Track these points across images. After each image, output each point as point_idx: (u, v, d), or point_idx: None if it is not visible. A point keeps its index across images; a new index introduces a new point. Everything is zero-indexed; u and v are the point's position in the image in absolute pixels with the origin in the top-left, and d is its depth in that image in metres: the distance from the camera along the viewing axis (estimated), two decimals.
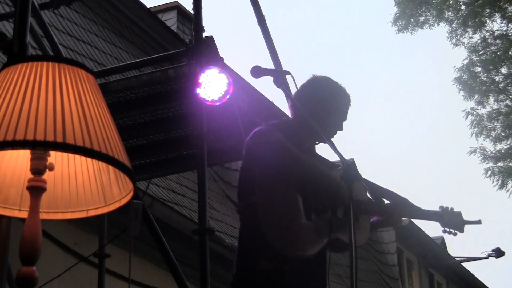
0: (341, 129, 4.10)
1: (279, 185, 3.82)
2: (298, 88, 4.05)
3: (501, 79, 19.15)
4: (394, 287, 17.47)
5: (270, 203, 3.83)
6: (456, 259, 21.00)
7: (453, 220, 4.10)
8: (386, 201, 4.10)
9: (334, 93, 4.08)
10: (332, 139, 3.97)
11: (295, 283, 3.83)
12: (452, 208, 4.12)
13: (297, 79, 3.87)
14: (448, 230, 4.10)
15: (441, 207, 4.12)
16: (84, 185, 2.68)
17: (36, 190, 2.50)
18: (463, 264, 21.38)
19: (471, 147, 18.92)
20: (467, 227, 4.20)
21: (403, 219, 4.22)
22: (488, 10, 18.62)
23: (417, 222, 18.52)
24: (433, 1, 18.56)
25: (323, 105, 4.01)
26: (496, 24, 18.99)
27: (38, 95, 2.43)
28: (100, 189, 2.67)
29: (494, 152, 18.75)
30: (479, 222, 4.26)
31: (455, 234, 4.11)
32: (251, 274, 3.92)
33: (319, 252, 3.87)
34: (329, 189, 3.82)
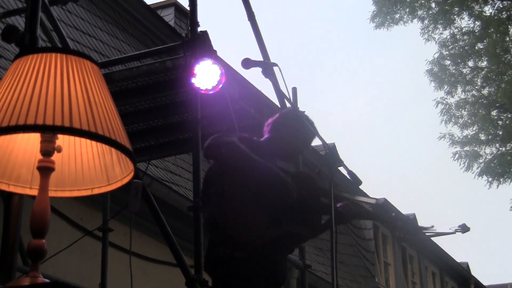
0: (302, 152, 4.26)
1: (233, 178, 3.86)
2: (273, 120, 4.16)
3: (468, 72, 19.19)
4: (370, 259, 17.53)
5: (224, 194, 3.88)
6: (426, 234, 21.08)
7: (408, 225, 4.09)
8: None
9: (299, 128, 4.12)
10: (315, 125, 4.00)
11: (249, 270, 3.83)
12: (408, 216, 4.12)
13: (283, 70, 3.87)
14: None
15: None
16: (89, 165, 2.67)
17: (45, 170, 2.50)
18: (432, 238, 21.47)
19: (440, 133, 18.98)
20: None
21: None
22: (456, 9, 18.64)
23: (391, 200, 18.65)
24: (407, 0, 18.57)
25: (294, 141, 4.11)
26: (464, 22, 19.02)
27: (47, 83, 2.43)
28: (104, 169, 2.67)
29: (461, 137, 18.80)
30: (431, 227, 4.23)
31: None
32: (212, 259, 3.97)
33: (275, 241, 3.87)
34: (281, 185, 3.86)
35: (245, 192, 3.83)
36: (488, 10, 18.80)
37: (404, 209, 19.81)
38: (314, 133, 4.12)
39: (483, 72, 19.10)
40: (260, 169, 3.83)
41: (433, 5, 18.80)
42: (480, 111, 18.76)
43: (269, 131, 4.11)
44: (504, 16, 18.54)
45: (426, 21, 18.84)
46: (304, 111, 5.43)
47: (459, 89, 19.07)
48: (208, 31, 4.98)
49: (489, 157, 18.56)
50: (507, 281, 39.86)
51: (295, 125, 4.08)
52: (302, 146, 4.18)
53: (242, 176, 3.84)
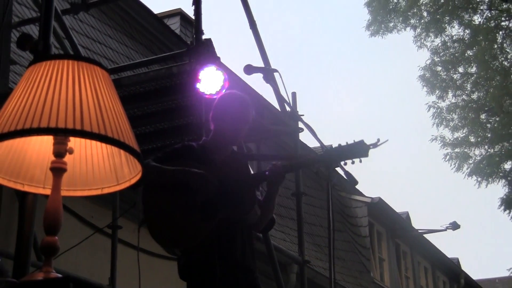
0: (244, 129, 4.16)
1: (157, 194, 3.90)
2: (212, 109, 4.16)
3: (458, 77, 19.20)
4: (366, 255, 17.51)
5: (156, 211, 3.92)
6: (419, 231, 21.06)
7: (355, 151, 3.96)
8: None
9: (230, 106, 4.11)
10: (313, 129, 3.99)
11: (205, 269, 3.85)
12: (348, 142, 3.99)
13: (283, 76, 3.87)
14: (350, 161, 3.97)
15: (338, 145, 4.01)
16: (99, 166, 2.67)
17: (58, 170, 2.50)
18: (425, 235, 21.46)
19: (432, 135, 19.00)
20: (373, 151, 4.04)
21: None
22: (447, 18, 18.65)
23: (385, 199, 18.65)
24: (400, 9, 18.57)
25: (225, 116, 4.07)
26: (455, 30, 19.05)
27: (60, 88, 2.43)
28: (113, 170, 2.67)
29: (452, 139, 18.81)
30: (384, 141, 4.07)
31: (360, 161, 3.98)
32: (180, 267, 4.00)
33: (222, 236, 3.87)
34: (199, 182, 3.84)
35: (171, 201, 3.86)
36: (477, 19, 18.84)
37: (398, 208, 19.83)
38: (250, 110, 4.11)
39: (472, 78, 19.11)
40: (174, 175, 3.86)
41: (425, 14, 18.82)
42: (469, 114, 18.77)
43: (212, 125, 4.13)
44: (492, 25, 18.56)
45: (418, 29, 18.86)
46: (303, 115, 5.44)
47: (450, 94, 19.09)
48: (212, 39, 4.99)
49: (478, 158, 18.56)
50: (495, 276, 39.90)
51: (228, 109, 4.07)
52: (243, 124, 4.12)
53: (164, 190, 3.88)
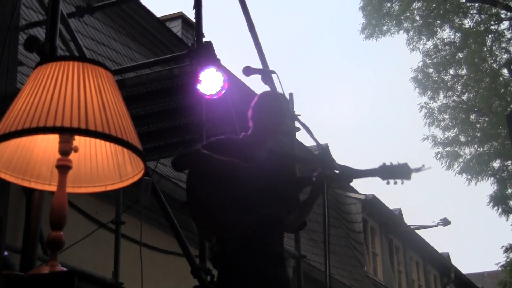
0: (285, 126, 4.18)
1: (205, 181, 3.87)
2: (251, 107, 4.17)
3: (449, 79, 19.23)
4: (360, 250, 17.51)
5: (201, 197, 3.88)
6: (411, 227, 21.08)
7: (398, 172, 4.01)
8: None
9: (272, 103, 4.11)
10: (309, 128, 3.99)
11: (239, 260, 3.81)
12: (392, 163, 4.05)
13: (281, 77, 3.86)
14: (392, 181, 4.02)
15: (382, 164, 4.07)
16: (103, 164, 2.68)
17: (63, 168, 2.50)
18: (416, 231, 21.48)
19: (424, 135, 19.03)
20: (415, 175, 4.08)
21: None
22: (439, 21, 18.68)
23: (379, 196, 18.66)
24: (394, 13, 18.59)
25: (267, 113, 4.07)
26: (446, 33, 19.09)
27: (65, 89, 2.43)
28: (117, 168, 2.67)
29: (443, 139, 18.84)
30: (427, 168, 4.15)
31: (402, 183, 4.02)
32: (212, 257, 4.01)
33: (256, 228, 3.84)
34: (247, 176, 3.84)
35: (217, 190, 3.84)
36: (467, 23, 18.86)
37: (391, 204, 19.86)
38: (287, 105, 4.15)
39: (462, 80, 19.14)
40: (223, 167, 3.83)
41: (417, 18, 18.86)
42: (460, 115, 18.79)
43: (251, 122, 4.12)
44: (482, 29, 18.57)
45: (411, 33, 18.90)
46: (300, 115, 5.44)
47: (441, 95, 19.13)
48: (212, 41, 4.98)
49: (468, 157, 18.59)
50: (484, 270, 39.95)
51: (270, 107, 4.07)
52: (282, 122, 4.13)
53: (210, 178, 3.85)
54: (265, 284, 3.88)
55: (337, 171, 4.01)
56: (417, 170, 3.89)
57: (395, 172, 3.93)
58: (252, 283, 3.81)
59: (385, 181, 3.93)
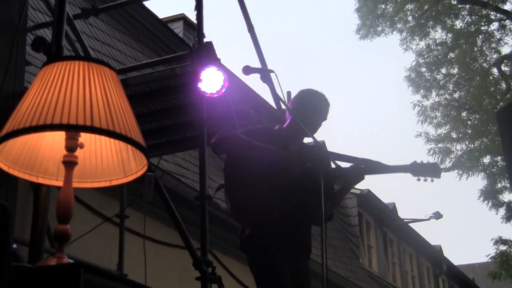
0: (320, 126, 4.17)
1: (242, 166, 3.86)
2: (291, 101, 4.18)
3: (441, 78, 19.21)
4: (356, 243, 17.52)
5: (237, 181, 3.88)
6: (405, 220, 21.09)
7: (428, 170, 4.06)
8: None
9: (315, 101, 4.13)
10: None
11: (272, 244, 3.79)
12: (423, 161, 4.11)
13: (279, 76, 3.86)
14: (423, 178, 4.07)
15: (413, 162, 4.11)
16: (107, 160, 2.68)
17: (69, 164, 2.50)
18: (410, 224, 21.48)
19: (417, 132, 19.00)
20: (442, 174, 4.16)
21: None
22: (431, 22, 18.68)
23: (374, 191, 18.66)
24: (388, 15, 18.60)
25: (309, 110, 4.09)
26: (438, 34, 19.07)
27: (71, 87, 2.43)
28: (121, 164, 2.67)
29: (435, 135, 18.81)
30: (453, 168, 4.29)
31: (432, 181, 4.08)
32: (242, 241, 3.96)
33: (288, 214, 3.85)
34: (283, 164, 3.84)
35: (253, 176, 3.82)
36: (458, 23, 18.85)
37: (385, 199, 19.83)
38: (327, 107, 4.15)
39: (454, 78, 19.12)
40: (262, 153, 3.81)
41: (410, 19, 18.85)
42: (451, 112, 18.78)
43: (289, 115, 4.11)
44: (473, 29, 18.57)
45: (404, 33, 18.89)
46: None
47: (434, 93, 19.11)
48: (213, 42, 4.98)
49: (459, 153, 18.57)
50: (475, 261, 39.99)
51: (313, 104, 4.09)
52: (322, 120, 4.15)
53: (248, 163, 3.83)
54: (291, 271, 3.87)
55: (371, 166, 4.04)
56: (446, 170, 4.00)
57: (425, 170, 3.99)
58: (281, 268, 3.79)
59: (416, 177, 4.00)
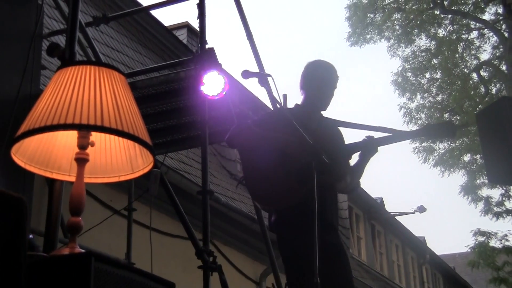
0: (333, 96, 4.05)
1: (257, 156, 3.81)
2: (300, 76, 4.05)
3: (425, 82, 19.28)
4: (346, 235, 17.51)
5: (255, 171, 3.82)
6: (391, 213, 21.11)
7: (442, 131, 3.86)
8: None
9: (324, 70, 4.03)
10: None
11: (295, 228, 3.70)
12: (436, 123, 3.95)
13: (276, 80, 3.86)
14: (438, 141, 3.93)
15: (426, 124, 4.00)
16: (116, 157, 2.67)
17: (81, 161, 2.50)
18: (396, 217, 21.50)
19: None
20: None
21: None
22: (416, 31, 18.72)
23: (363, 187, 18.66)
24: (376, 24, 18.63)
25: (322, 83, 3.98)
26: (422, 41, 19.13)
27: (83, 90, 2.43)
28: (129, 161, 2.67)
29: None
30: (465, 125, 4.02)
31: (448, 142, 3.90)
32: (270, 224, 3.93)
33: (313, 195, 3.78)
34: (298, 148, 3.69)
35: (270, 164, 3.74)
36: (441, 32, 18.93)
37: (373, 193, 19.85)
38: (336, 75, 4.03)
39: (437, 82, 19.18)
40: (274, 142, 3.74)
41: (397, 27, 18.89)
42: (435, 114, 18.81)
43: (302, 91, 4.01)
44: (454, 37, 18.64)
45: (391, 41, 18.96)
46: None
47: (418, 96, 19.17)
48: (214, 48, 4.97)
49: (442, 151, 18.62)
50: (455, 251, 40.04)
51: (321, 76, 3.98)
52: (333, 89, 4.02)
53: (263, 152, 3.76)
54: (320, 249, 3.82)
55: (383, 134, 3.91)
56: (461, 127, 3.80)
57: (439, 131, 3.79)
58: (307, 248, 3.75)
59: (430, 140, 3.83)
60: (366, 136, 3.91)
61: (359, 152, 3.95)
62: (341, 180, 3.91)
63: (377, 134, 3.96)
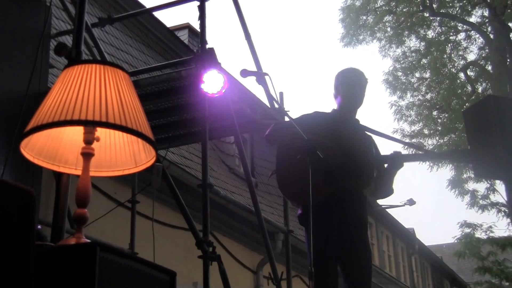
0: (363, 95, 4.17)
1: (290, 153, 3.83)
2: (336, 83, 4.15)
3: (415, 81, 19.28)
4: None
5: (287, 167, 3.88)
6: (382, 206, 21.13)
7: (467, 156, 4.00)
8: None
9: (352, 74, 4.13)
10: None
11: (321, 223, 3.75)
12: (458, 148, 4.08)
13: (273, 79, 3.85)
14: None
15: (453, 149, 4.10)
16: (120, 152, 2.67)
17: (87, 155, 2.50)
18: (387, 210, 21.53)
19: (394, 128, 19.08)
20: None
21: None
22: (406, 32, 18.73)
23: None
24: (369, 25, 18.64)
25: (354, 88, 4.09)
26: (412, 42, 19.13)
27: (89, 87, 2.43)
28: (132, 155, 2.67)
29: (410, 132, 18.87)
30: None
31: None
32: (298, 217, 4.00)
33: (333, 197, 3.82)
34: (326, 151, 3.73)
35: (300, 162, 3.77)
36: (430, 33, 18.92)
37: None
38: (365, 79, 4.13)
39: (426, 82, 19.18)
40: (307, 142, 3.77)
41: (388, 29, 18.89)
42: (424, 111, 18.84)
43: (338, 97, 4.09)
44: (443, 39, 18.66)
45: (383, 42, 18.95)
46: (289, 111, 5.43)
47: (408, 95, 19.17)
48: (214, 48, 4.97)
49: (431, 147, 18.61)
50: (443, 242, 40.15)
51: (354, 81, 4.08)
52: (364, 93, 4.14)
53: (294, 150, 3.79)
54: (345, 244, 3.84)
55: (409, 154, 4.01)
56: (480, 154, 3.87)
57: (464, 157, 3.91)
58: (333, 242, 3.78)
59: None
60: (394, 151, 4.02)
61: (386, 164, 4.04)
62: (364, 188, 4.00)
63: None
